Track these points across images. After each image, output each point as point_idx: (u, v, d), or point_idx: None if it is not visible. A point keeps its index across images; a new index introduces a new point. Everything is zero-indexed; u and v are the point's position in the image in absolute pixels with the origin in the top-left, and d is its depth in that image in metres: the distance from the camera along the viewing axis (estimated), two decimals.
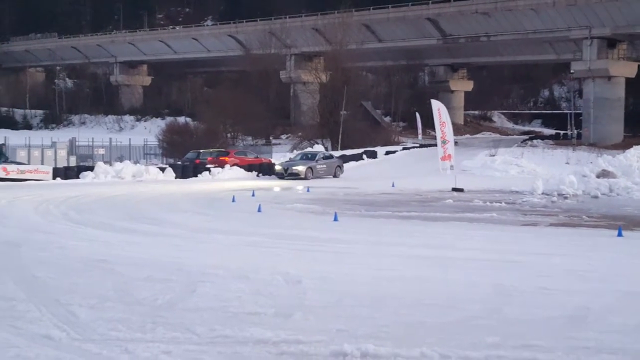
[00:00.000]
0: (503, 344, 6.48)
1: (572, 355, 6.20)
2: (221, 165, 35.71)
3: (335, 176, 34.82)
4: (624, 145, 34.58)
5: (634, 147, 28.91)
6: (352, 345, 6.26)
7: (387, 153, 48.79)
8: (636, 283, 9.51)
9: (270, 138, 59.55)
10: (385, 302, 8.23)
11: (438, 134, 27.82)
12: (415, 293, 8.71)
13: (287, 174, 33.08)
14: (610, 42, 53.68)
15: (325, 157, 35.98)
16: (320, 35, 64.67)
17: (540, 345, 6.43)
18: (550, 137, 65.77)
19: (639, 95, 59.37)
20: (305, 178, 32.44)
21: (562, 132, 66.62)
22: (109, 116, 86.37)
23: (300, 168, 33.25)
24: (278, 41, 70.16)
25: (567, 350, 6.32)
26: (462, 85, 77.56)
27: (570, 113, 61.19)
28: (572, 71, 57.71)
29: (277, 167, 34.29)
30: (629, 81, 55.50)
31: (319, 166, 34.25)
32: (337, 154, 45.25)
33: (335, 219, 16.92)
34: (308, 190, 26.84)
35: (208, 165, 35.41)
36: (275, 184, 30.38)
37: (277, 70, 69.39)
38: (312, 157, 35.55)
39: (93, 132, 63.06)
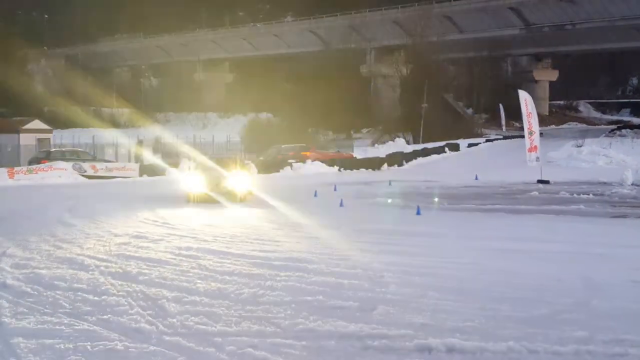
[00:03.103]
0: (593, 338, 6.30)
1: None
2: (303, 160, 35.98)
3: None
4: None
5: None
6: (437, 340, 6.21)
7: (470, 145, 48.13)
8: None
9: (351, 132, 59.58)
10: (471, 295, 8.12)
11: (525, 125, 27.29)
12: (501, 286, 8.56)
13: None
14: None
15: None
16: (400, 28, 64.30)
17: (632, 340, 6.22)
18: (639, 126, 63.52)
19: None
20: None
21: None
22: (193, 114, 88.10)
23: None
24: (358, 35, 70.10)
25: None
26: (546, 75, 75.73)
27: None
28: None
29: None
30: None
31: None
32: (419, 147, 44.96)
33: (418, 213, 16.80)
34: (390, 185, 26.74)
35: (290, 160, 35.73)
36: (357, 178, 30.37)
37: (357, 64, 69.35)
38: None
39: (177, 130, 64.45)
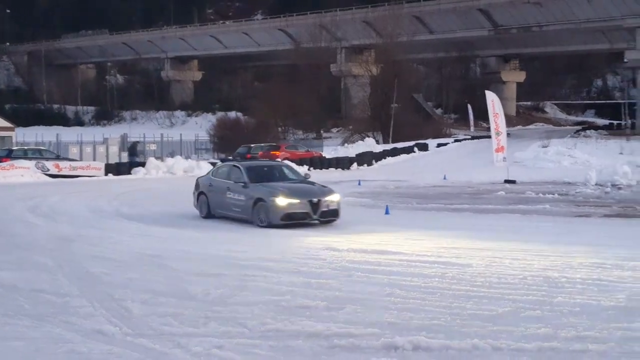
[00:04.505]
0: (555, 335, 6.40)
1: (625, 346, 6.10)
2: (272, 159, 35.88)
3: None
4: None
5: None
6: (403, 338, 6.24)
7: (439, 145, 48.43)
8: None
9: (321, 132, 59.62)
10: (437, 294, 8.18)
11: (492, 125, 27.54)
12: (466, 285, 8.64)
13: None
14: None
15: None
16: (370, 27, 64.49)
17: (593, 337, 6.34)
18: (603, 127, 64.44)
19: None
20: None
21: (615, 122, 65.18)
22: (160, 112, 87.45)
23: None
24: (328, 34, 70.17)
25: (619, 341, 6.24)
26: (513, 76, 76.53)
27: (624, 103, 59.76)
28: (625, 60, 56.40)
29: None
30: None
31: None
32: (388, 146, 45.13)
33: (387, 212, 16.87)
34: (359, 184, 26.81)
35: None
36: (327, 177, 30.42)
37: (327, 63, 69.41)
38: None
39: (144, 128, 63.96)
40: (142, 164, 32.99)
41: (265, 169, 16.34)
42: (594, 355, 5.88)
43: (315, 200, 14.45)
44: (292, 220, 14.28)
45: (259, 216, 14.56)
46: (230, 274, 9.41)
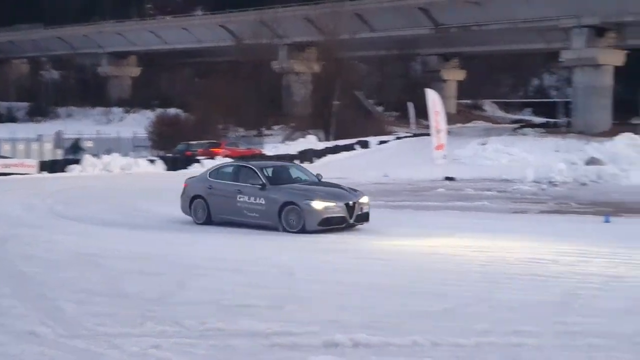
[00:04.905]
0: (493, 330, 6.49)
1: (560, 340, 6.22)
2: (212, 156, 35.60)
3: None
4: (612, 133, 34.57)
5: (621, 134, 28.94)
6: (343, 335, 6.23)
7: (380, 143, 48.76)
8: (621, 268, 9.53)
9: (263, 129, 59.36)
10: (378, 291, 8.21)
11: (432, 123, 27.81)
12: (406, 282, 8.70)
13: None
14: (599, 31, 53.63)
15: None
16: (312, 25, 64.42)
17: (529, 331, 6.45)
18: (540, 125, 65.84)
19: (627, 83, 59.46)
20: None
21: (551, 120, 66.70)
22: (97, 108, 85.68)
23: None
24: (270, 31, 69.84)
25: (555, 335, 6.36)
26: (454, 75, 77.47)
27: (560, 101, 61.18)
28: (561, 60, 57.71)
29: None
30: (617, 69, 55.53)
31: None
32: (330, 144, 45.22)
33: None
34: None
35: (198, 157, 35.27)
36: None
37: (269, 60, 69.10)
38: None
39: (80, 125, 62.53)
40: (77, 161, 32.27)
41: (279, 169, 15.09)
42: (530, 349, 5.98)
43: (351, 203, 13.48)
44: (329, 226, 13.25)
45: (288, 221, 13.30)
46: (170, 273, 9.28)
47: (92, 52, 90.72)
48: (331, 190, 14.01)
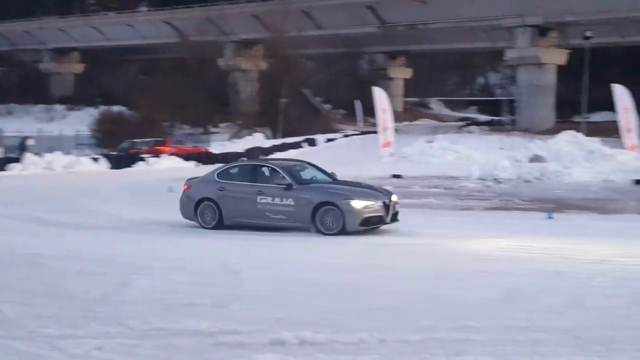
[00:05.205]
0: (438, 326, 6.55)
1: (504, 335, 6.29)
2: (158, 154, 35.19)
3: None
4: (555, 131, 35.27)
5: (563, 132, 29.53)
6: (290, 333, 6.20)
7: (328, 140, 48.87)
8: (563, 263, 9.71)
9: (209, 127, 58.90)
10: (324, 289, 8.21)
11: (379, 121, 28.00)
12: (354, 279, 8.71)
13: None
14: (542, 31, 54.71)
15: None
16: (259, 22, 64.19)
17: (474, 326, 6.51)
18: (485, 123, 66.84)
19: (569, 82, 60.83)
20: None
21: (496, 118, 67.80)
22: (38, 105, 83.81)
23: None
24: (216, 28, 69.32)
25: (499, 330, 6.43)
26: (400, 73, 78.12)
27: (505, 100, 62.23)
28: (505, 59, 58.66)
29: None
30: (560, 68, 56.72)
31: None
32: (278, 142, 45.13)
33: None
34: None
35: (143, 155, 34.80)
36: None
37: (215, 57, 68.60)
38: None
39: (21, 123, 61.09)
40: (18, 160, 31.45)
41: (298, 168, 14.15)
42: (474, 344, 6.04)
43: (387, 201, 13.03)
44: (368, 226, 12.79)
45: (324, 223, 12.65)
46: (114, 273, 9.12)
47: (33, 49, 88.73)
48: (364, 189, 13.57)
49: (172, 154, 35.59)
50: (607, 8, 48.66)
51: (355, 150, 42.75)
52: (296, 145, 44.47)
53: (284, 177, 13.24)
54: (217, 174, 14.25)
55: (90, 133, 48.87)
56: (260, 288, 8.27)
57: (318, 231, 12.63)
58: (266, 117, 53.18)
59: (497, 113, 69.49)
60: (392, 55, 76.75)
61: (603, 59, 57.02)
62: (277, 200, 13.13)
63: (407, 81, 79.58)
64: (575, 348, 5.92)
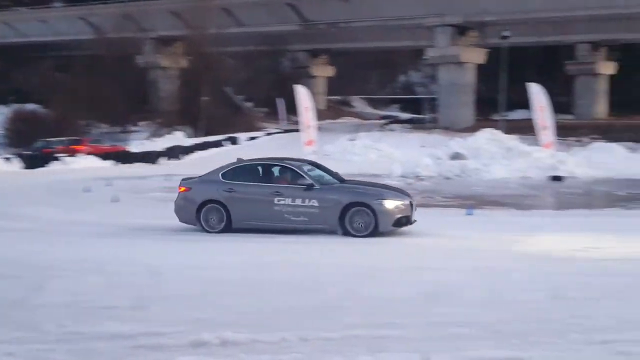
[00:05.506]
0: (359, 323, 6.56)
1: (425, 332, 6.34)
2: (73, 154, 34.29)
3: None
4: (474, 129, 36.01)
5: (483, 130, 30.19)
6: (211, 334, 6.10)
7: (250, 139, 48.64)
8: (484, 258, 9.88)
9: (128, 125, 57.76)
10: (248, 288, 8.12)
11: (301, 119, 28.00)
12: (276, 278, 8.64)
13: None
14: (462, 30, 55.80)
15: None
16: (179, 19, 63.33)
17: (395, 323, 6.55)
18: (407, 121, 67.81)
19: (488, 80, 62.33)
20: None
21: (418, 116, 68.87)
22: None
23: None
24: (134, 25, 67.99)
25: (420, 326, 6.48)
26: (323, 71, 78.45)
27: (426, 98, 63.26)
28: (426, 57, 59.59)
29: None
30: (479, 67, 57.98)
31: None
32: (199, 140, 44.62)
33: None
34: (166, 179, 26.23)
35: (58, 155, 33.82)
36: (134, 172, 29.50)
37: (134, 54, 67.29)
38: None
39: None
40: None
41: (309, 167, 13.36)
42: (395, 340, 6.07)
43: (412, 201, 12.63)
44: (400, 226, 12.30)
45: (353, 224, 12.01)
46: (27, 276, 8.78)
47: None
48: (390, 189, 13.15)
49: (89, 153, 34.74)
50: (524, 8, 50.03)
51: (278, 148, 42.58)
52: (218, 144, 44.11)
53: (303, 177, 12.57)
54: (222, 174, 13.15)
55: (2, 132, 47.26)
56: (180, 288, 8.12)
57: (346, 233, 12.04)
58: (187, 116, 52.53)
59: (419, 111, 70.64)
60: (315, 53, 77.01)
61: (520, 58, 58.63)
62: (298, 202, 12.38)
63: (329, 79, 79.98)
64: (495, 342, 6.01)
